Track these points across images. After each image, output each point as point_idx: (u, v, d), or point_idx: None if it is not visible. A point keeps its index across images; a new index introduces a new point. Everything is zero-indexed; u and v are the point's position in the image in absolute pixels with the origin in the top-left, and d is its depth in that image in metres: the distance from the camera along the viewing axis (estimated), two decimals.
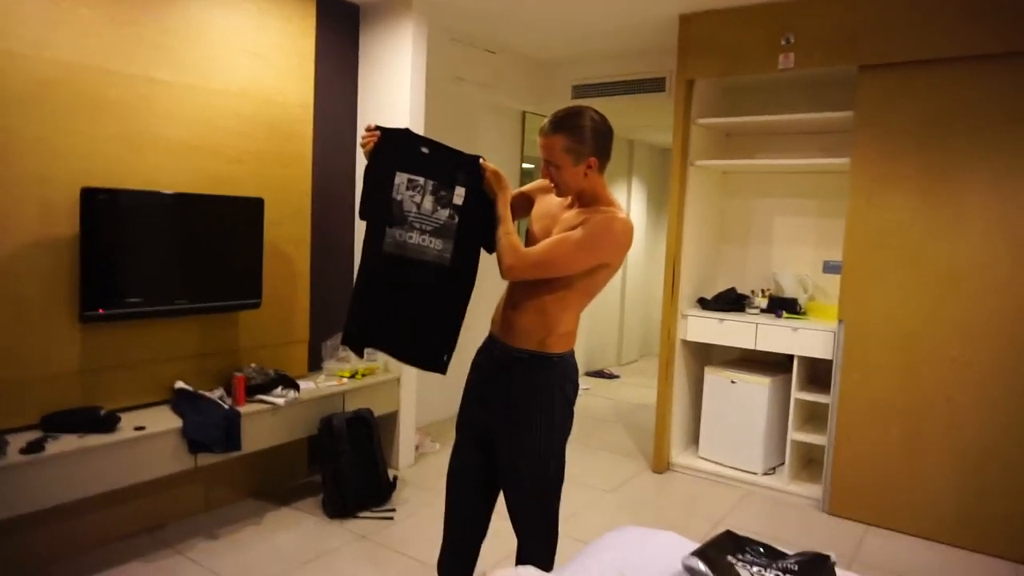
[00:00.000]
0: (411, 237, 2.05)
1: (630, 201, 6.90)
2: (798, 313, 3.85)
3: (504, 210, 2.01)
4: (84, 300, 2.67)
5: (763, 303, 3.99)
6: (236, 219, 3.16)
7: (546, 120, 1.93)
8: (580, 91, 5.01)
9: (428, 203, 2.05)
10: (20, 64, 2.50)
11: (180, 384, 3.02)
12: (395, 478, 3.49)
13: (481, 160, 2.08)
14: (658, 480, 3.93)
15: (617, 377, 6.46)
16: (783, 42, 3.53)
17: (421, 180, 2.04)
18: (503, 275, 1.98)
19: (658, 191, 7.50)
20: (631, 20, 4.03)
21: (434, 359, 2.16)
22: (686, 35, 3.83)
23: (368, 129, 2.05)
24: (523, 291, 2.01)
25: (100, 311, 2.70)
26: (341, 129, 3.87)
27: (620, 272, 6.72)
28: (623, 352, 7.07)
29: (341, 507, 3.23)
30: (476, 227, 2.07)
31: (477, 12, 4.02)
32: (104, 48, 2.73)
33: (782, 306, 3.88)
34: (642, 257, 7.21)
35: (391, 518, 3.25)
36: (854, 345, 3.41)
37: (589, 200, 1.99)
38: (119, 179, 2.79)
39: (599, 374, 6.46)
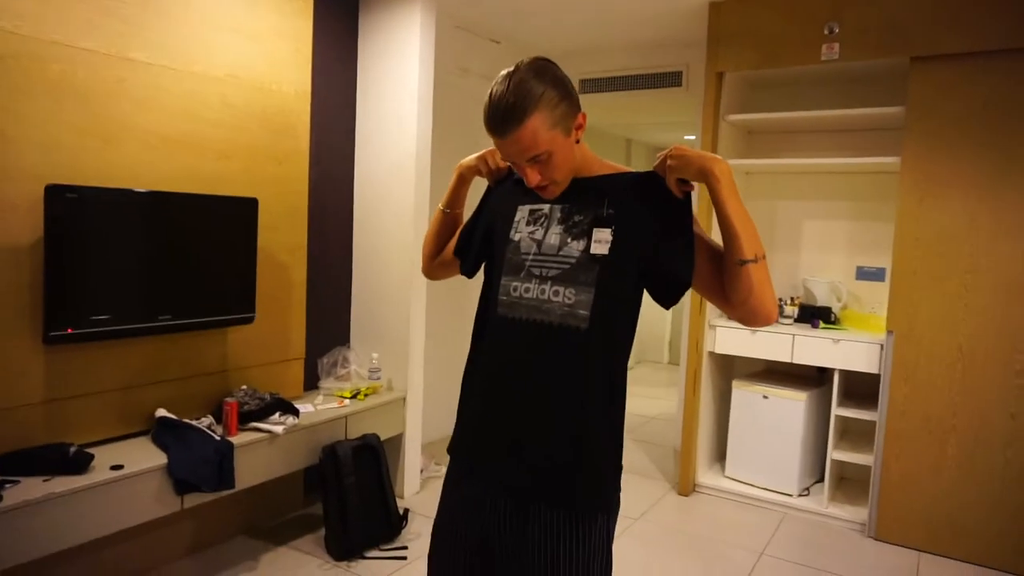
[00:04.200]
0: (527, 289, 1.33)
1: None
2: (832, 323, 3.60)
3: (744, 219, 1.27)
4: (49, 318, 2.26)
5: (793, 312, 3.72)
6: (226, 222, 2.78)
7: (494, 112, 1.21)
8: (588, 85, 4.70)
9: (554, 237, 1.33)
10: None
11: (162, 412, 2.62)
12: (406, 511, 3.13)
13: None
14: (685, 504, 3.63)
15: None
16: (826, 31, 3.26)
17: (546, 207, 1.36)
18: (758, 324, 1.31)
19: None
20: (653, 8, 3.73)
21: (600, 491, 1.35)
22: (716, 24, 3.54)
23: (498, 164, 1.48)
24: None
25: (68, 330, 2.29)
26: (340, 123, 3.50)
27: None
28: None
29: (347, 546, 2.86)
30: (632, 263, 1.30)
31: None
32: (70, 20, 2.31)
33: (816, 315, 3.62)
34: None
35: (404, 557, 2.89)
36: (905, 358, 3.15)
37: (582, 168, 1.36)
38: (88, 176, 2.38)
39: None
